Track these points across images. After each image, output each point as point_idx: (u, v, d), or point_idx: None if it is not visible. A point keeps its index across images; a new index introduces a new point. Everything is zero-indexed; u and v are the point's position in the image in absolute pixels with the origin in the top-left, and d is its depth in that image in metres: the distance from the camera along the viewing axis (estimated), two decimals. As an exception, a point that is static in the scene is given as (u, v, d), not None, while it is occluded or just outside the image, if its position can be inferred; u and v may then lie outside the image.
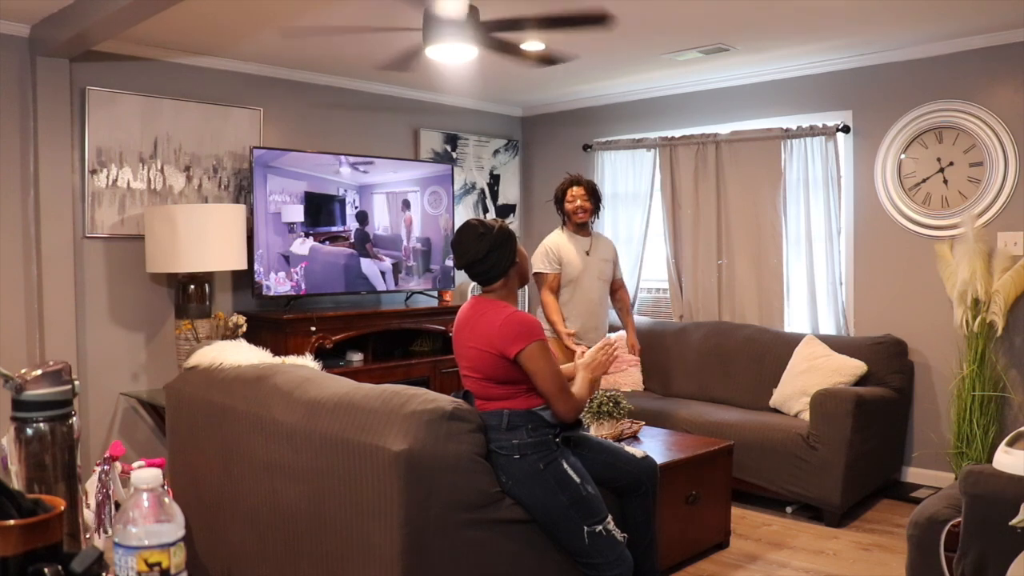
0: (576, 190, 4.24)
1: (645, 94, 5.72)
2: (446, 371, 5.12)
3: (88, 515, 1.88)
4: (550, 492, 2.44)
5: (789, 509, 4.16)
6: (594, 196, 4.27)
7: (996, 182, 4.31)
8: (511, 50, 3.92)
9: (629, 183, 5.85)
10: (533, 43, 4.28)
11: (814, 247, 4.94)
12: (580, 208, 4.23)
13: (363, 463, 2.29)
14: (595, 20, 3.61)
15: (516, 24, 3.62)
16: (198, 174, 4.64)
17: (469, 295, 5.74)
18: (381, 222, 5.16)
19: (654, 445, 3.66)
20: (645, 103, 5.77)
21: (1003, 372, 4.26)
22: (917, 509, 2.52)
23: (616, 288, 4.45)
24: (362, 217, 5.06)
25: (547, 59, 4.42)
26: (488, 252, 2.53)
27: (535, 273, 4.17)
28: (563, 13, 3.60)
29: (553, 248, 4.22)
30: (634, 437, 3.78)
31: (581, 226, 4.28)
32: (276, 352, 3.21)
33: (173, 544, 1.06)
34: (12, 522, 1.00)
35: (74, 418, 1.37)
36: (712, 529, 3.65)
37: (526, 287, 5.91)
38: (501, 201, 6.37)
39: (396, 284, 5.25)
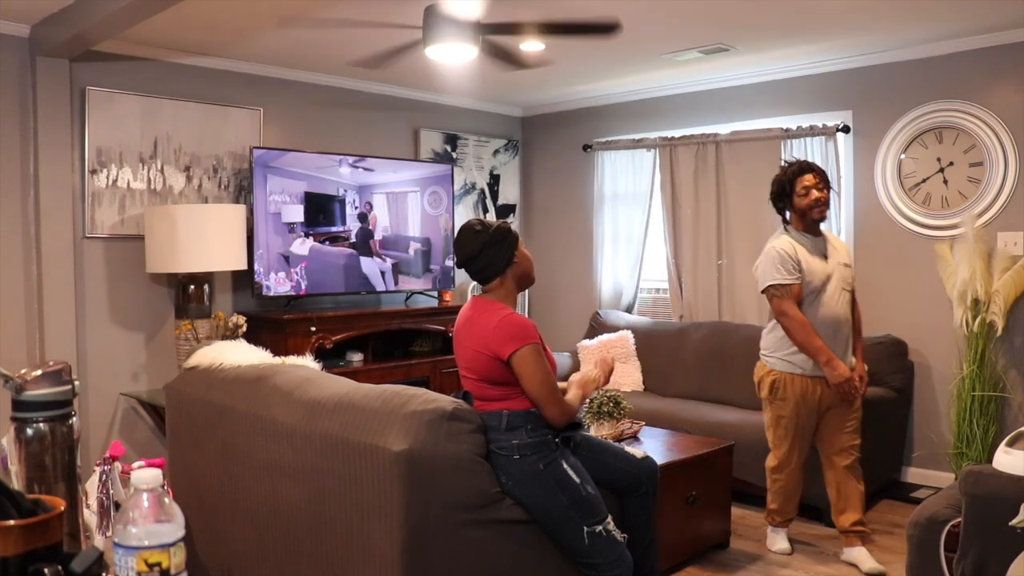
0: (809, 178, 3.38)
1: (645, 94, 5.72)
2: (446, 371, 5.12)
3: (88, 515, 1.88)
4: (550, 492, 2.44)
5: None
6: (827, 184, 3.45)
7: (996, 182, 4.31)
8: (504, 56, 3.90)
9: (629, 183, 5.85)
10: (534, 44, 4.28)
11: (814, 247, 4.93)
12: (819, 200, 3.38)
13: (363, 463, 2.29)
14: (604, 28, 3.59)
15: (520, 28, 3.61)
16: (198, 174, 4.64)
17: (469, 295, 5.74)
18: (381, 222, 5.16)
19: (654, 445, 3.65)
20: (645, 103, 5.77)
21: (1003, 372, 4.26)
22: (917, 509, 2.52)
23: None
24: (364, 216, 5.06)
25: (538, 63, 4.36)
26: (481, 250, 2.54)
27: (769, 286, 3.37)
28: (572, 20, 3.58)
29: (790, 252, 3.36)
30: (634, 437, 3.77)
31: (812, 224, 3.43)
32: (276, 352, 3.21)
33: (173, 544, 1.06)
34: (12, 522, 1.00)
35: (74, 418, 1.37)
36: (712, 529, 3.65)
37: (526, 292, 5.90)
38: (501, 201, 6.37)
39: (396, 284, 5.25)
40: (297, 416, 2.53)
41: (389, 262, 5.21)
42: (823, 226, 3.48)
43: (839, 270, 3.42)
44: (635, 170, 5.81)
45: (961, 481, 2.23)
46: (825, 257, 3.41)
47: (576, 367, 5.36)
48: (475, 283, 2.70)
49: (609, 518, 2.50)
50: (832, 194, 3.44)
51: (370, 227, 5.10)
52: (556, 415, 2.50)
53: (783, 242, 3.40)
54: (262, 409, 2.65)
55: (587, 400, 3.83)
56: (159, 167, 4.49)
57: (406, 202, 5.31)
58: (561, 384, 2.68)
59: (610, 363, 2.78)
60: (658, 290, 5.92)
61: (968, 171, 4.41)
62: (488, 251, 2.54)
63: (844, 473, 3.47)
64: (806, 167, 3.41)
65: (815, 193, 3.36)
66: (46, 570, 0.97)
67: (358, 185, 5.04)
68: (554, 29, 3.69)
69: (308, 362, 3.02)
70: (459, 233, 2.61)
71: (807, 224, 3.42)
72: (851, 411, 3.44)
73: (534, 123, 6.47)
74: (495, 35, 3.63)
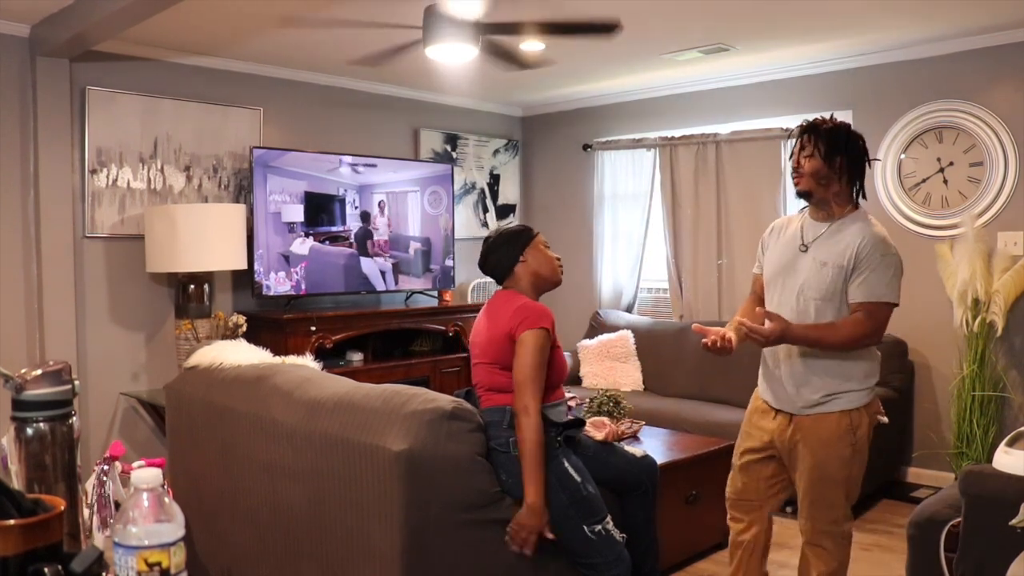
0: (797, 146, 2.56)
1: (645, 94, 5.72)
2: (446, 371, 5.12)
3: (88, 515, 1.88)
4: (550, 491, 2.44)
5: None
6: (828, 142, 2.48)
7: (996, 182, 4.31)
8: (506, 56, 3.90)
9: (629, 183, 5.85)
10: (534, 43, 4.27)
11: (814, 247, 4.92)
12: (795, 170, 2.55)
13: (363, 463, 2.29)
14: (604, 28, 3.58)
15: (520, 28, 3.61)
16: (198, 174, 4.64)
17: (469, 295, 5.76)
18: (381, 222, 5.16)
19: (654, 445, 3.65)
20: (645, 103, 5.77)
21: (1003, 372, 4.26)
22: (917, 509, 2.52)
23: (852, 311, 2.46)
24: (365, 216, 5.06)
25: (537, 63, 4.35)
26: (487, 255, 2.67)
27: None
28: (572, 20, 3.58)
29: (766, 235, 2.74)
30: (634, 437, 3.77)
31: (812, 201, 2.55)
32: (276, 352, 3.20)
33: (173, 544, 1.05)
34: (12, 522, 1.00)
35: (74, 418, 1.37)
36: (712, 529, 3.64)
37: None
38: (501, 201, 6.37)
39: (396, 284, 5.25)
40: (297, 416, 2.53)
41: (389, 262, 5.21)
42: (864, 204, 2.57)
43: (812, 267, 2.49)
44: (635, 170, 5.81)
45: (961, 481, 2.23)
46: (803, 248, 2.53)
47: (576, 367, 5.36)
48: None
49: (609, 517, 2.50)
50: (834, 160, 2.48)
51: (380, 226, 5.10)
52: (524, 405, 2.37)
53: (775, 221, 2.80)
54: (262, 409, 2.65)
55: (588, 400, 3.83)
56: (159, 167, 4.49)
57: (406, 202, 5.31)
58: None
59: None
60: (658, 290, 5.92)
61: (968, 171, 4.41)
62: (492, 255, 2.65)
63: (804, 551, 2.64)
64: (797, 132, 2.60)
65: (794, 162, 2.56)
66: (46, 570, 0.97)
67: (358, 185, 5.04)
68: (554, 29, 3.68)
69: (308, 362, 3.02)
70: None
71: (810, 201, 2.57)
72: (798, 468, 2.55)
73: (534, 123, 6.47)
74: (495, 35, 3.63)
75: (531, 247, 2.63)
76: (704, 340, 2.57)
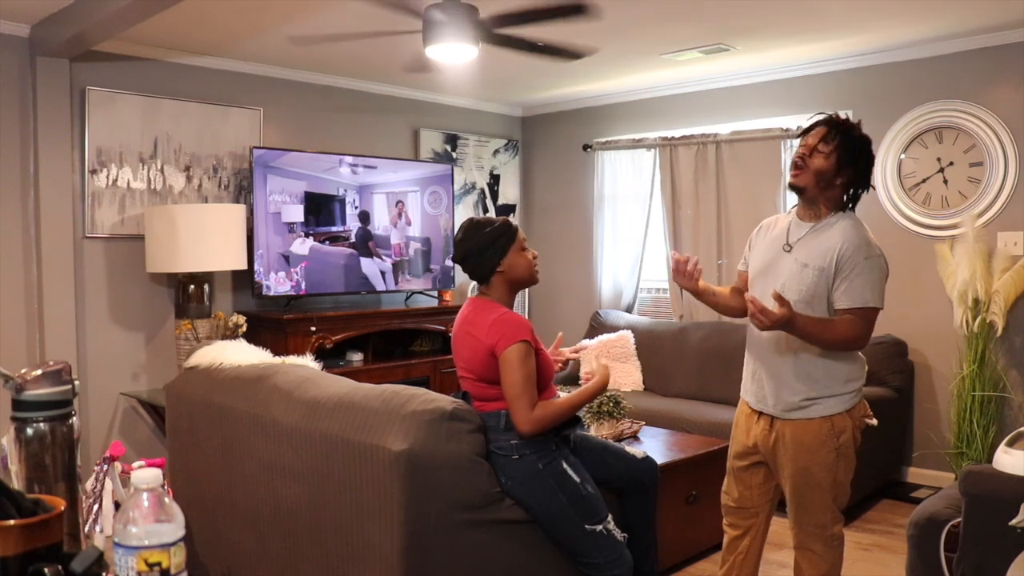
0: (809, 137, 2.42)
1: (645, 94, 5.72)
2: (446, 371, 5.12)
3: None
4: (550, 492, 2.44)
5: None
6: (848, 150, 2.36)
7: (996, 182, 4.31)
8: (519, 45, 3.86)
9: (629, 183, 5.85)
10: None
11: (814, 247, 4.91)
12: (800, 159, 2.41)
13: (363, 463, 2.29)
14: (574, 10, 3.53)
15: (508, 19, 3.59)
16: (198, 174, 4.64)
17: (469, 295, 5.75)
18: (381, 222, 5.17)
19: (654, 445, 3.65)
20: (645, 103, 5.77)
21: (1003, 372, 4.26)
22: (917, 509, 2.52)
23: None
24: (364, 217, 5.07)
25: (563, 51, 4.23)
26: (465, 256, 2.57)
27: None
28: (545, 5, 3.54)
29: (753, 234, 2.68)
30: (634, 437, 3.77)
31: (803, 198, 2.46)
32: (276, 352, 3.21)
33: (173, 544, 1.06)
34: (12, 522, 1.00)
35: (74, 418, 1.36)
36: (712, 529, 3.64)
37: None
38: (501, 201, 6.37)
39: (396, 284, 5.25)
40: (297, 416, 2.53)
41: (389, 262, 5.21)
42: (860, 209, 2.47)
43: (792, 268, 2.43)
44: (635, 170, 5.81)
45: (961, 481, 2.23)
46: (787, 248, 2.47)
47: (576, 367, 5.36)
48: (474, 285, 2.71)
49: (609, 517, 2.50)
50: (846, 169, 2.38)
51: (399, 227, 5.11)
52: (522, 421, 2.40)
53: (764, 220, 2.72)
54: (262, 409, 2.65)
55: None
56: (159, 167, 4.49)
57: (406, 202, 5.31)
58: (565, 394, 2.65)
59: (607, 372, 2.65)
60: (658, 290, 5.92)
61: (968, 171, 4.41)
62: (471, 259, 2.57)
63: (795, 555, 2.61)
64: (820, 122, 2.43)
65: (803, 150, 2.41)
66: (46, 570, 0.97)
67: (358, 185, 5.04)
68: (527, 18, 3.62)
69: (308, 362, 3.02)
70: (459, 231, 2.63)
71: (801, 197, 2.47)
72: (783, 474, 2.51)
73: (534, 123, 6.47)
74: (493, 28, 3.61)
75: (510, 254, 2.55)
76: (677, 256, 2.59)
